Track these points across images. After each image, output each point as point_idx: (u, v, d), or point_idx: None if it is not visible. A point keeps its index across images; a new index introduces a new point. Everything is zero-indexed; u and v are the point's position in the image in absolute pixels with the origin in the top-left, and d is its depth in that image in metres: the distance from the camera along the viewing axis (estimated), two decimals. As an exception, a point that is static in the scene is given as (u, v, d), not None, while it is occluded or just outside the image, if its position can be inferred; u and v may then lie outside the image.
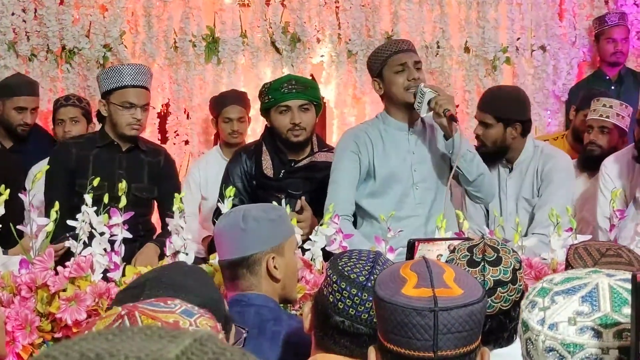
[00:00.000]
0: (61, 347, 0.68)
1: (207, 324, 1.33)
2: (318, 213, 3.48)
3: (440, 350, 1.47)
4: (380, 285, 1.55)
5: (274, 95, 3.68)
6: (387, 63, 3.55)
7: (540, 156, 3.91)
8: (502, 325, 2.05)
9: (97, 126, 4.19)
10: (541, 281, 1.35)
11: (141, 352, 0.66)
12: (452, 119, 3.38)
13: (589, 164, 4.40)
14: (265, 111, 3.75)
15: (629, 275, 1.27)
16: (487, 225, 3.71)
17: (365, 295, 1.92)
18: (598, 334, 1.23)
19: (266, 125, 3.87)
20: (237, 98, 4.76)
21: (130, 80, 3.71)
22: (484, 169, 3.49)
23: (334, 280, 1.95)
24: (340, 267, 1.97)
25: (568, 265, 2.31)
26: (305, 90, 3.71)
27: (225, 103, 4.73)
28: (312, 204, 3.61)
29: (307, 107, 3.68)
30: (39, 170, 3.06)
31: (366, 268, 1.95)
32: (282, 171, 3.70)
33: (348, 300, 1.93)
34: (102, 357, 0.66)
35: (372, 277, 1.92)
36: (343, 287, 1.93)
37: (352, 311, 1.93)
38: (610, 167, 4.08)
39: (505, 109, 3.88)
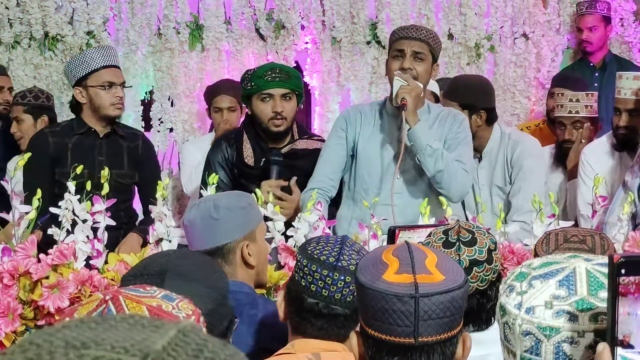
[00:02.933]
0: (44, 335, 0.67)
1: (189, 307, 1.34)
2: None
3: (421, 336, 1.48)
4: (362, 270, 1.55)
5: (256, 83, 3.67)
6: (392, 47, 3.56)
7: (509, 142, 3.93)
8: (479, 306, 2.07)
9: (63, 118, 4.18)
10: (520, 266, 1.35)
11: (126, 342, 0.66)
12: (402, 108, 3.38)
13: (565, 159, 4.39)
14: (246, 98, 3.74)
15: (607, 260, 1.28)
16: (465, 214, 3.71)
17: (336, 275, 1.95)
18: (574, 318, 1.23)
19: (247, 113, 3.87)
20: (228, 87, 4.67)
21: (103, 61, 3.71)
22: (446, 166, 3.42)
23: (305, 264, 1.98)
24: (309, 251, 2.00)
25: (534, 252, 2.33)
26: (289, 79, 3.70)
27: (216, 93, 4.66)
28: (295, 191, 3.62)
29: (289, 96, 3.68)
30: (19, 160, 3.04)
31: (335, 249, 1.98)
32: (263, 159, 3.70)
33: (320, 282, 1.96)
34: (87, 346, 0.66)
35: (341, 258, 1.96)
36: (314, 269, 1.96)
37: (325, 292, 1.96)
38: (590, 154, 4.10)
39: (471, 96, 3.93)
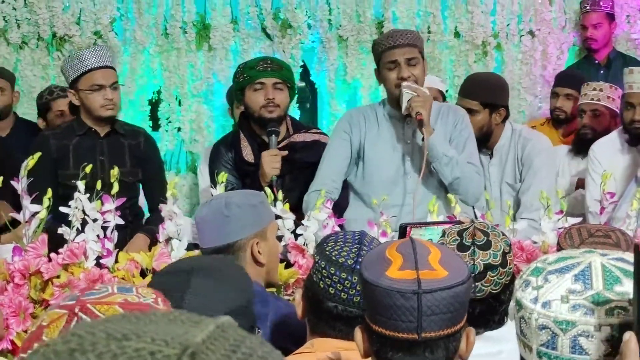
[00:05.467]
0: (86, 327, 0.69)
1: (148, 291, 1.34)
2: (299, 193, 3.55)
3: (424, 331, 1.49)
4: (366, 266, 1.56)
5: (249, 74, 3.71)
6: (382, 57, 3.56)
7: (519, 140, 3.94)
8: (492, 309, 2.06)
9: None
10: (535, 261, 1.36)
11: (167, 335, 0.68)
12: (420, 123, 3.40)
13: (583, 147, 4.42)
14: (240, 91, 3.76)
15: (622, 255, 1.29)
16: (474, 212, 3.72)
17: (355, 279, 1.92)
18: (590, 312, 1.24)
19: (241, 113, 3.89)
20: None
21: (93, 62, 3.69)
22: (462, 172, 3.47)
23: (323, 266, 1.96)
24: (327, 252, 1.97)
25: (558, 246, 2.34)
26: (280, 70, 3.75)
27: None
28: (293, 185, 3.63)
29: (280, 86, 3.71)
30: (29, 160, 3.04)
31: (353, 250, 1.96)
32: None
33: (339, 285, 1.93)
34: (129, 338, 0.67)
35: (360, 260, 1.93)
36: (332, 272, 1.94)
37: (343, 295, 1.94)
38: (599, 151, 4.11)
39: (492, 94, 3.93)
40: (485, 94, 3.91)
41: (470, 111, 3.85)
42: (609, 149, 4.10)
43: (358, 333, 1.60)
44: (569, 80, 4.83)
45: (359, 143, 3.61)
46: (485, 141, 3.93)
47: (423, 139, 3.43)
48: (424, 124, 3.40)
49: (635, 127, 4.01)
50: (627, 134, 4.07)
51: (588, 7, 5.53)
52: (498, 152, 3.96)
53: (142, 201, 3.97)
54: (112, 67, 3.78)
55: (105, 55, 3.76)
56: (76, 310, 1.28)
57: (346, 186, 3.76)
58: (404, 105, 3.46)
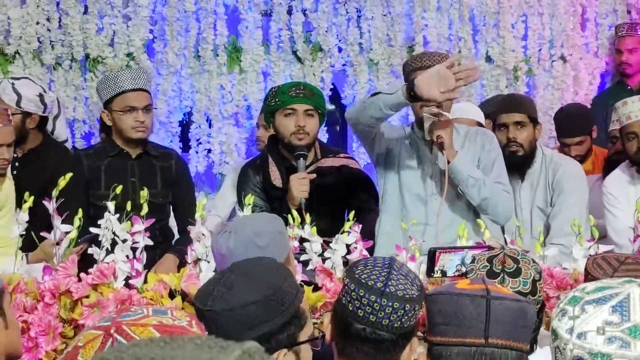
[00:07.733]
0: (115, 352, 0.69)
1: (183, 314, 1.34)
2: (327, 217, 3.50)
3: (491, 337, 1.55)
4: (434, 289, 1.67)
5: (281, 98, 3.71)
6: (408, 79, 3.54)
7: (550, 164, 3.93)
8: None
9: None
10: (574, 290, 1.35)
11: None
12: (440, 147, 3.38)
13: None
14: (270, 114, 3.76)
15: (662, 286, 1.27)
16: (504, 237, 3.69)
17: (384, 301, 1.92)
18: (626, 344, 1.22)
19: (270, 136, 3.89)
20: None
21: (128, 84, 3.73)
22: (490, 192, 3.43)
23: (352, 288, 1.96)
24: (357, 275, 1.97)
25: (588, 275, 2.31)
26: (312, 96, 3.74)
27: None
28: (321, 209, 3.60)
29: (312, 113, 3.70)
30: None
31: (383, 274, 1.95)
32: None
33: (367, 307, 1.93)
34: None
35: (389, 283, 1.93)
36: (362, 294, 1.94)
37: (372, 318, 1.94)
38: (610, 186, 4.04)
39: (534, 109, 4.00)
40: (530, 109, 3.99)
41: (520, 125, 3.91)
42: (620, 183, 4.03)
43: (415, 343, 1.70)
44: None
45: (397, 151, 3.57)
46: (531, 157, 3.92)
47: (448, 162, 3.40)
48: (445, 147, 3.38)
49: None
50: (634, 165, 4.01)
51: (624, 32, 5.57)
52: (529, 175, 3.94)
53: (172, 223, 3.99)
54: (146, 90, 3.81)
55: (141, 77, 3.80)
56: (112, 331, 1.29)
57: (374, 209, 3.73)
58: (426, 130, 3.45)
